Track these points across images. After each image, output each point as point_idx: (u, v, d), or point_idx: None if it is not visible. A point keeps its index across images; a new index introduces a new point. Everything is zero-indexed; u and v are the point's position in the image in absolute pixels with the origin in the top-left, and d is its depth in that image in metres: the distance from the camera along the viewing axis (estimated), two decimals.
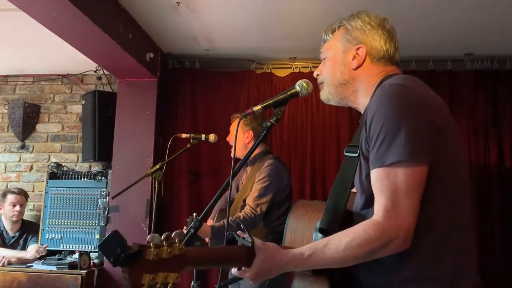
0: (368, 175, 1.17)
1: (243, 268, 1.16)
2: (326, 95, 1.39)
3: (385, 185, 1.10)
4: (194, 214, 2.42)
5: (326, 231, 1.20)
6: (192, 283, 1.71)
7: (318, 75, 1.43)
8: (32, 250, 3.64)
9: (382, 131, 1.12)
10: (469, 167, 3.52)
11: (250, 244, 1.15)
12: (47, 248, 3.72)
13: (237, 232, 1.26)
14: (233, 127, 2.87)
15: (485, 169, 3.62)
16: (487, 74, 3.71)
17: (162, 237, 0.97)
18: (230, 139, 2.88)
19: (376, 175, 1.13)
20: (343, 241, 1.10)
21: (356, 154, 1.24)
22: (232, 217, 2.51)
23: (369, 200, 1.17)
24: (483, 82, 3.70)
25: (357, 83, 1.33)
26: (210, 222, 2.55)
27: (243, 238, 1.18)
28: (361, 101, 1.33)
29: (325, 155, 3.76)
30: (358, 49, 1.32)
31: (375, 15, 1.35)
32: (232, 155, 2.79)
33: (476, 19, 3.11)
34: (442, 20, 3.14)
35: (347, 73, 1.34)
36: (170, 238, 0.97)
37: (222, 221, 2.54)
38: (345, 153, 1.31)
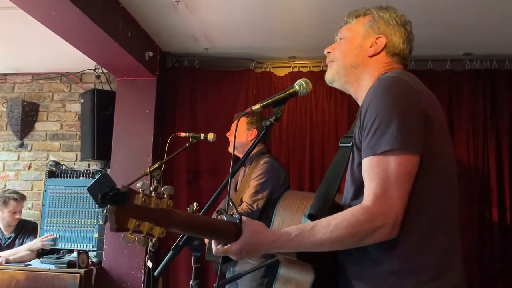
0: (359, 164, 1.19)
1: (228, 245, 1.15)
2: (333, 74, 1.39)
3: (376, 172, 1.12)
4: (195, 204, 2.37)
5: (315, 217, 1.20)
6: (191, 282, 1.71)
7: (329, 52, 1.42)
8: (36, 240, 3.67)
9: (375, 121, 1.14)
10: (467, 166, 3.58)
11: (237, 221, 1.15)
12: (45, 247, 3.73)
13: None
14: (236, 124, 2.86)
15: (484, 168, 3.62)
16: (486, 74, 3.72)
17: (151, 187, 0.96)
18: (231, 134, 2.89)
19: (368, 163, 1.14)
20: (331, 223, 1.11)
21: (349, 144, 1.26)
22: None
23: (359, 190, 1.18)
24: (482, 81, 3.71)
25: (365, 70, 1.34)
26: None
27: (231, 215, 1.18)
28: (361, 92, 1.33)
29: (324, 154, 3.76)
30: (378, 38, 1.34)
31: (401, 14, 1.37)
32: (230, 150, 2.80)
33: (475, 19, 3.11)
34: (441, 20, 3.14)
35: (360, 57, 1.34)
36: (159, 190, 0.97)
37: (218, 216, 2.52)
38: (340, 144, 1.33)
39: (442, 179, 1.18)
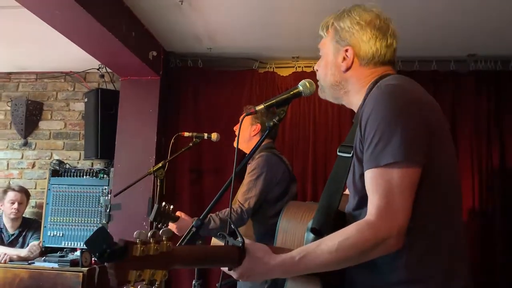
0: (361, 176, 1.17)
1: (232, 269, 1.15)
2: (322, 94, 1.41)
3: (379, 184, 1.10)
4: (163, 203, 2.34)
5: (318, 231, 1.19)
6: (194, 282, 1.71)
7: (317, 70, 1.42)
8: (28, 248, 3.66)
9: (377, 132, 1.12)
10: (471, 167, 3.57)
11: (240, 244, 1.13)
12: (48, 245, 3.74)
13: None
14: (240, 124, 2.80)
15: (487, 169, 3.61)
16: (490, 75, 3.70)
17: (149, 234, 0.95)
18: (237, 128, 2.80)
19: (371, 175, 1.12)
20: (335, 241, 1.09)
21: (350, 155, 1.23)
22: (222, 212, 2.43)
23: (362, 201, 1.17)
24: (486, 83, 3.69)
25: (348, 84, 1.33)
26: (183, 215, 2.43)
27: (233, 238, 1.17)
28: (354, 101, 1.34)
29: (327, 156, 3.75)
30: (346, 50, 1.30)
31: (367, 11, 1.31)
32: (235, 144, 2.75)
33: (479, 20, 3.10)
34: (445, 21, 3.13)
35: (337, 75, 1.33)
36: (158, 235, 0.96)
37: (208, 216, 2.45)
38: (338, 153, 1.30)
39: (445, 188, 1.17)
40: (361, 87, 1.30)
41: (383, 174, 1.10)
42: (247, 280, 1.16)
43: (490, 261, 3.49)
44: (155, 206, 2.31)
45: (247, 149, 2.73)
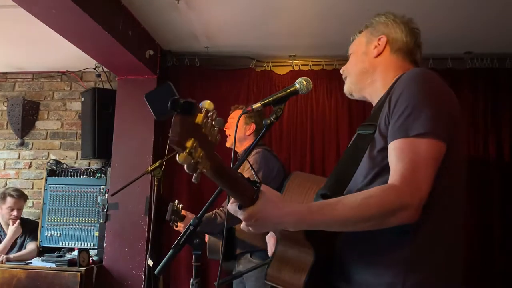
0: (381, 150, 1.19)
1: (243, 208, 1.09)
2: (349, 86, 1.45)
3: (406, 154, 1.11)
4: (176, 202, 2.41)
5: (329, 198, 1.16)
6: (191, 281, 1.70)
7: (344, 70, 1.49)
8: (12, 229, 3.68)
9: (409, 106, 1.15)
10: (469, 164, 3.57)
11: (257, 184, 1.09)
12: (45, 245, 3.73)
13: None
14: (232, 117, 2.82)
15: (484, 166, 3.62)
16: (487, 73, 3.72)
17: (211, 112, 0.87)
18: (229, 128, 2.80)
19: (397, 145, 1.14)
20: (358, 198, 1.09)
21: (371, 132, 1.25)
22: (222, 208, 2.47)
23: (378, 175, 1.18)
24: (482, 80, 3.71)
25: (376, 72, 1.38)
26: (183, 212, 2.50)
27: (249, 179, 1.11)
28: (378, 91, 1.36)
29: (325, 152, 3.77)
30: (379, 39, 1.39)
31: (400, 15, 1.43)
32: (227, 144, 2.76)
33: (476, 18, 3.11)
34: (442, 19, 3.14)
35: (367, 61, 1.40)
36: (214, 119, 0.87)
37: (213, 211, 2.50)
38: (358, 131, 1.32)
39: (460, 176, 1.20)
40: (387, 79, 1.34)
41: (411, 145, 1.12)
42: (254, 224, 1.10)
43: (487, 255, 3.50)
44: (170, 204, 2.41)
45: (240, 148, 2.75)
